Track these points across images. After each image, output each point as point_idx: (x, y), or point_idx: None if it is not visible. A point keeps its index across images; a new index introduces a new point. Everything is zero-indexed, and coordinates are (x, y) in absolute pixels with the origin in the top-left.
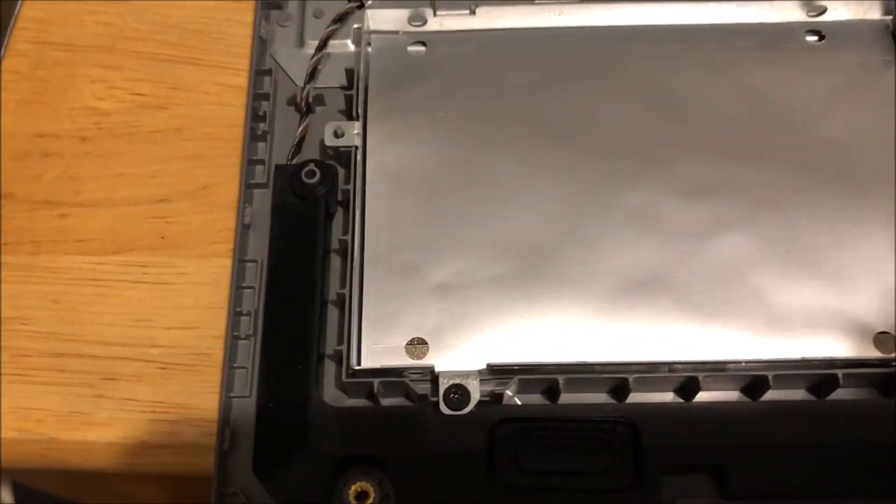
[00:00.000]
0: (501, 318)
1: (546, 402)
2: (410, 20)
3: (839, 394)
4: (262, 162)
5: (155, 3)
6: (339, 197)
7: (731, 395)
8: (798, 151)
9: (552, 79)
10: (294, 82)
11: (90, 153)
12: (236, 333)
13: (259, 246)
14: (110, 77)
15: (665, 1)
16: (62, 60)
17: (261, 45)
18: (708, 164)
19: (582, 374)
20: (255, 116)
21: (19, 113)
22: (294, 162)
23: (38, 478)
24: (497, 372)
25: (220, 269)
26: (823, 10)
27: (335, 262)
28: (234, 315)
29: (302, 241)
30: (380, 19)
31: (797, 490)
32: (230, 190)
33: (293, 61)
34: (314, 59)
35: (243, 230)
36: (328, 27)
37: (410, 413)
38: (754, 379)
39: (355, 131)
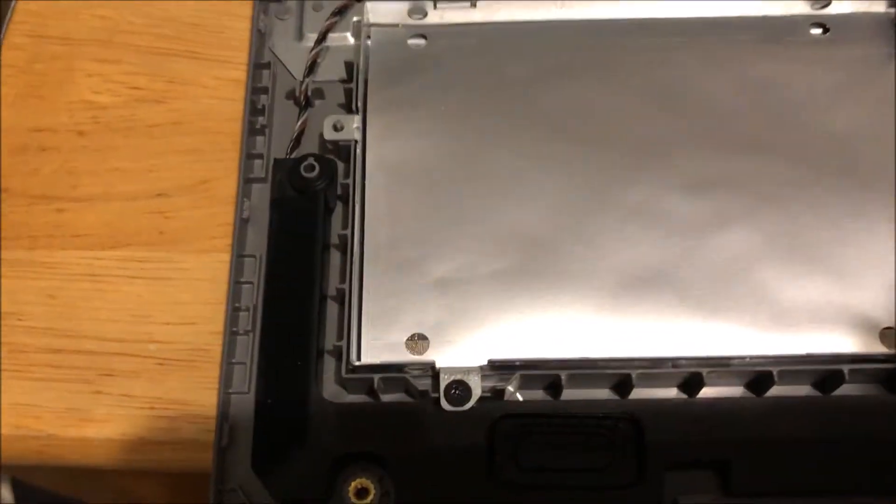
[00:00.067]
0: (503, 313)
1: (548, 398)
2: (410, 13)
3: (844, 389)
4: (260, 156)
5: None
6: (339, 191)
7: (735, 391)
8: (802, 145)
9: (553, 72)
10: (293, 76)
11: (87, 147)
12: (235, 329)
13: (258, 241)
14: (107, 71)
15: None
16: (59, 54)
17: (259, 38)
18: (711, 159)
19: (584, 369)
20: (253, 110)
21: (16, 107)
22: (293, 156)
23: (36, 474)
24: (498, 368)
25: (218, 263)
26: (828, 3)
27: (335, 256)
28: (233, 310)
29: (301, 235)
30: (379, 12)
31: (802, 487)
32: (229, 184)
33: (292, 55)
34: (313, 53)
35: (242, 225)
36: (327, 20)
37: (411, 409)
38: (759, 374)
39: (355, 125)
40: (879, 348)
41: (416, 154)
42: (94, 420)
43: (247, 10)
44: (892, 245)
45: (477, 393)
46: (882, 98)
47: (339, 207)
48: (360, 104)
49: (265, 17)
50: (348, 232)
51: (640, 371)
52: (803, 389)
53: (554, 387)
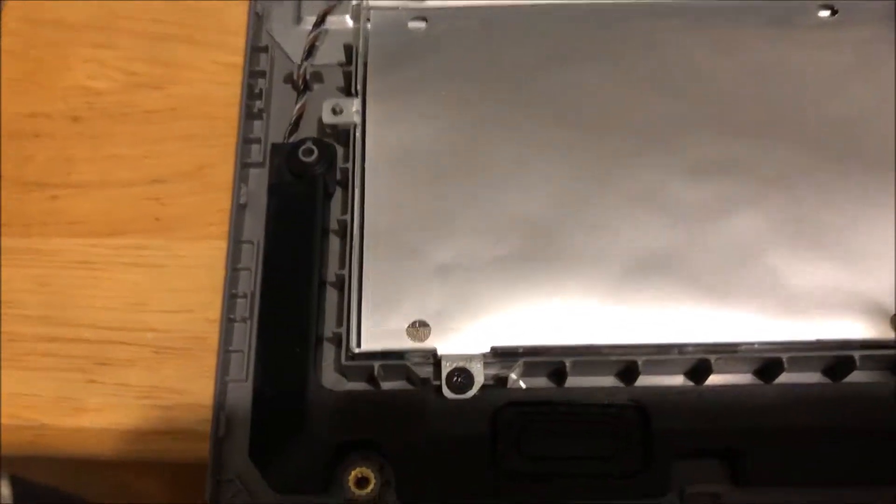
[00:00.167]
0: (506, 299)
1: (552, 385)
2: None
3: (855, 377)
4: (258, 141)
5: None
6: (338, 176)
7: (744, 379)
8: (809, 129)
9: (556, 55)
10: (291, 59)
11: (83, 134)
12: (232, 316)
13: (255, 226)
14: (103, 56)
15: None
16: (54, 39)
17: (257, 21)
18: (717, 143)
19: (589, 356)
20: (251, 94)
21: (10, 93)
22: (291, 140)
23: (30, 465)
24: (501, 355)
25: (215, 251)
26: None
27: (334, 242)
28: (230, 297)
29: (299, 221)
30: None
31: (812, 476)
32: (226, 170)
33: (290, 38)
34: (312, 36)
35: (239, 210)
36: (326, 2)
37: (412, 397)
38: (768, 361)
39: (354, 108)
40: (890, 334)
41: (417, 138)
42: (89, 410)
43: None
44: None
45: (479, 380)
46: (891, 80)
47: (338, 192)
48: (359, 87)
49: (263, 0)
50: (348, 217)
51: (646, 358)
52: (813, 377)
53: (558, 374)
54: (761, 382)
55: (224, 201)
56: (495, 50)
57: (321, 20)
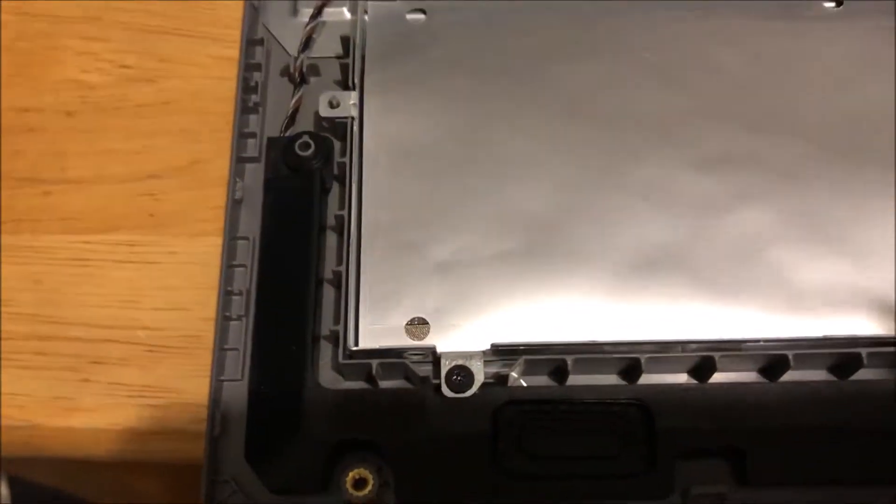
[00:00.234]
0: (506, 296)
1: (553, 383)
2: None
3: (862, 374)
4: (253, 135)
5: None
6: (335, 171)
7: (749, 376)
8: (816, 122)
9: (557, 48)
10: (287, 52)
11: (75, 128)
12: (227, 314)
13: (251, 222)
14: (96, 49)
15: None
16: (46, 32)
17: (252, 13)
18: (722, 136)
19: (591, 354)
20: (246, 88)
21: (2, 87)
22: (287, 134)
23: (22, 466)
24: (502, 352)
25: (210, 247)
26: None
27: (331, 238)
28: (226, 295)
29: (296, 216)
30: None
31: (818, 476)
32: (221, 165)
33: (286, 30)
34: (308, 28)
35: (234, 206)
36: None
37: (411, 396)
38: (773, 358)
39: (351, 101)
40: None
41: (416, 132)
42: (82, 409)
43: None
44: None
45: (479, 379)
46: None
47: (335, 187)
48: (356, 80)
49: None
50: (345, 212)
51: (649, 355)
52: (819, 374)
53: (559, 372)
54: (766, 380)
55: (218, 197)
56: (496, 42)
57: (318, 12)
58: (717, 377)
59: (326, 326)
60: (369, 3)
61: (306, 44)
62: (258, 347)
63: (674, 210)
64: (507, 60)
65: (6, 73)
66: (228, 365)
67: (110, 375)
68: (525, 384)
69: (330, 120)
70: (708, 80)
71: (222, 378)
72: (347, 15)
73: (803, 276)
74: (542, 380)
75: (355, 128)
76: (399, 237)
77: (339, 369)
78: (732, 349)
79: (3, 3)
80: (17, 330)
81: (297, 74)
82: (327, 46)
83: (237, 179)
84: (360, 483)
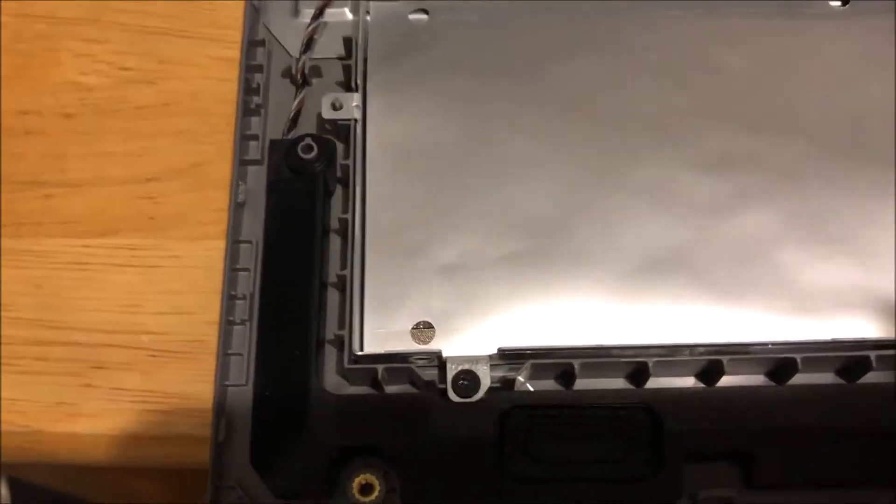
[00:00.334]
0: (512, 299)
1: (560, 387)
2: None
3: (870, 377)
4: (256, 137)
5: None
6: (339, 173)
7: (756, 380)
8: (821, 121)
9: (560, 48)
10: (289, 53)
11: (75, 130)
12: (231, 318)
13: (254, 226)
14: (95, 51)
15: None
16: (44, 33)
17: (253, 14)
18: (727, 136)
19: (598, 358)
20: (248, 89)
21: (1, 89)
22: (290, 136)
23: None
24: (508, 357)
25: (212, 251)
26: None
27: (335, 241)
28: (229, 299)
29: (299, 219)
30: None
31: (827, 478)
32: (223, 167)
33: (288, 31)
34: (310, 29)
35: (237, 209)
36: None
37: (416, 401)
38: (781, 362)
39: (354, 103)
40: None
41: (419, 133)
42: (84, 415)
43: None
44: None
45: (486, 383)
46: None
47: (338, 190)
48: (359, 81)
49: None
50: (349, 215)
51: (656, 359)
52: (827, 377)
53: (566, 376)
54: (773, 383)
55: (220, 200)
56: (498, 42)
57: (319, 13)
58: (725, 380)
59: (331, 330)
60: (371, 3)
61: (308, 45)
62: (262, 352)
63: (677, 211)
64: (510, 61)
65: (5, 75)
66: (233, 370)
67: (112, 380)
68: (532, 388)
69: (332, 122)
70: (711, 79)
71: (227, 383)
72: (349, 15)
73: (808, 277)
74: (549, 384)
75: (358, 130)
76: (403, 240)
77: (344, 374)
78: (740, 352)
79: (3, 5)
80: (19, 335)
81: (298, 76)
82: (329, 47)
83: (240, 182)
84: (366, 488)
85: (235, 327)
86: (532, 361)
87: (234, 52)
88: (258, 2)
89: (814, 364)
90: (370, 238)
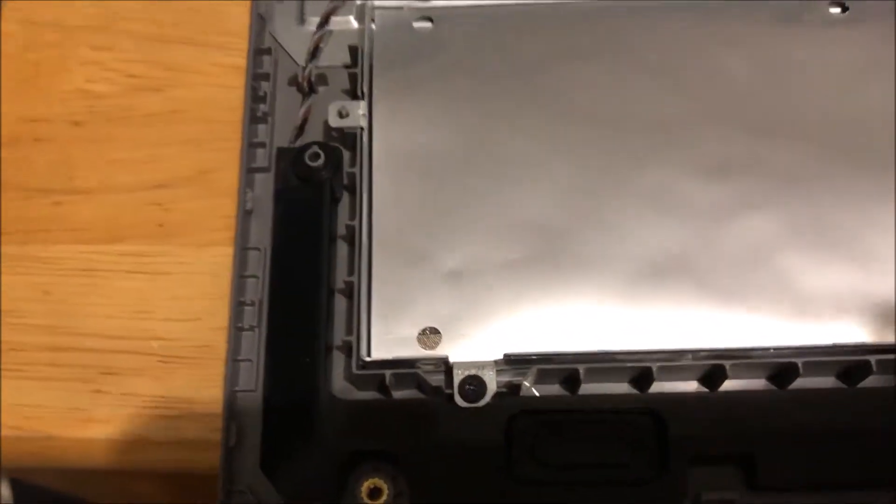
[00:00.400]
0: (517, 305)
1: (565, 392)
2: None
3: (870, 380)
4: (263, 145)
5: None
6: (345, 180)
7: (758, 384)
8: (823, 128)
9: (564, 54)
10: (295, 61)
11: (83, 138)
12: (240, 324)
13: (262, 233)
14: (103, 58)
15: None
16: (52, 41)
17: (259, 22)
18: (729, 142)
19: (603, 363)
20: (255, 97)
21: (8, 97)
22: (297, 144)
23: (37, 477)
24: (514, 362)
25: (221, 257)
26: None
27: (342, 248)
28: (238, 305)
29: (307, 227)
30: None
31: (829, 481)
32: (230, 175)
33: (294, 39)
34: (316, 37)
35: (245, 217)
36: (330, 3)
37: (424, 406)
38: (783, 366)
39: (360, 111)
40: None
41: (425, 140)
42: (95, 420)
43: None
44: None
45: (492, 388)
46: None
47: (345, 197)
48: (365, 89)
49: (265, 0)
50: (356, 222)
51: (660, 364)
52: (828, 381)
53: (571, 381)
54: (775, 387)
55: (228, 207)
56: (502, 49)
57: (325, 21)
58: (727, 384)
59: (339, 336)
60: (376, 11)
61: (314, 53)
62: (271, 358)
63: (679, 216)
64: (514, 67)
65: (14, 83)
66: (242, 376)
67: (123, 386)
68: (537, 393)
69: (339, 130)
70: (712, 84)
71: (236, 389)
72: (354, 23)
73: (810, 282)
74: (555, 388)
75: (365, 138)
76: (410, 247)
77: (353, 380)
78: (742, 357)
79: (10, 13)
80: (29, 341)
81: (305, 84)
82: (335, 55)
83: (247, 190)
84: (374, 492)
85: (244, 333)
86: (538, 367)
87: (241, 60)
88: (264, 10)
89: (814, 368)
90: (377, 245)
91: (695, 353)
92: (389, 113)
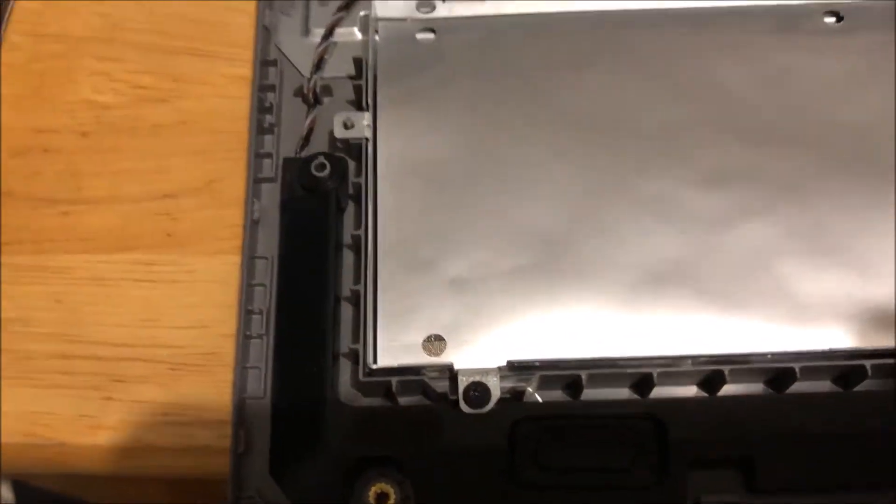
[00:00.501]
0: (520, 312)
1: (568, 398)
2: (418, 6)
3: (866, 384)
4: (269, 155)
5: None
6: (351, 190)
7: (756, 388)
8: (819, 135)
9: (565, 64)
10: (300, 72)
11: (91, 148)
12: (248, 332)
13: (269, 242)
14: (110, 69)
15: None
16: (59, 53)
17: (265, 34)
18: (727, 151)
19: (605, 369)
20: (261, 108)
21: (16, 108)
22: (303, 155)
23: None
24: (518, 368)
25: (228, 266)
26: None
27: (348, 257)
28: (246, 313)
29: (313, 236)
30: (387, 6)
31: (827, 483)
32: (237, 185)
33: (299, 51)
34: (320, 49)
35: (252, 226)
36: (334, 15)
37: (429, 412)
38: (780, 371)
39: (365, 122)
40: None
41: (429, 151)
42: (105, 427)
43: (251, 5)
44: None
45: (496, 394)
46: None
47: (350, 207)
48: (370, 100)
49: (270, 12)
50: (361, 231)
51: (661, 370)
52: (824, 385)
53: (574, 386)
54: (773, 392)
55: (235, 216)
56: (504, 60)
57: (329, 33)
58: (726, 389)
59: (345, 344)
60: (380, 23)
61: (319, 64)
62: (279, 365)
63: (679, 224)
64: (516, 77)
65: (21, 94)
66: (251, 383)
67: (132, 393)
68: (540, 399)
69: (344, 141)
70: (713, 94)
71: (245, 396)
72: (358, 35)
73: (808, 289)
74: (557, 394)
75: (370, 149)
76: (415, 255)
77: (359, 386)
78: (741, 362)
79: (17, 25)
80: (40, 349)
81: (310, 95)
82: (339, 66)
83: (254, 200)
84: (381, 497)
85: (252, 341)
86: (541, 373)
87: (247, 71)
88: (269, 22)
89: (811, 373)
90: (382, 253)
91: (694, 358)
92: (394, 123)
